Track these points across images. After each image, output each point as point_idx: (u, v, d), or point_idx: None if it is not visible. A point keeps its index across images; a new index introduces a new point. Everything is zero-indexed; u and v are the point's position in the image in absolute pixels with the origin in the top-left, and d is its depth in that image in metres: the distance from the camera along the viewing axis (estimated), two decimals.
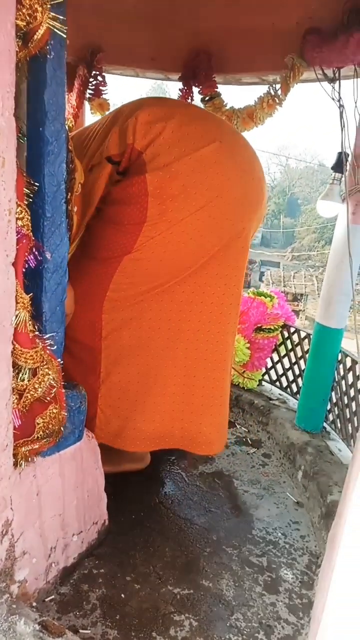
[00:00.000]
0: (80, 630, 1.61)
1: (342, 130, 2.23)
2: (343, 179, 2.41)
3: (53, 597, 1.72)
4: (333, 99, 2.24)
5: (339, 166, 2.42)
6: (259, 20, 2.42)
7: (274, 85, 2.43)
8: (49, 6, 1.17)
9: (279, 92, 2.37)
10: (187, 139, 1.87)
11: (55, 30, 1.21)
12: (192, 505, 2.36)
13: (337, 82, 2.26)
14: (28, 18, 1.15)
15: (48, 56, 1.24)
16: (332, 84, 2.27)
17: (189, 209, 1.90)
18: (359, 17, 2.00)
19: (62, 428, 1.61)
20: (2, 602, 1.35)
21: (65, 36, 1.24)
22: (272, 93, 2.38)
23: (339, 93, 2.25)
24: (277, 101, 2.40)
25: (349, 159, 2.34)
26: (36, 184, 1.34)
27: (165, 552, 2.02)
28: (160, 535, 2.11)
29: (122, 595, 1.78)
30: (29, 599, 1.59)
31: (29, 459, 1.53)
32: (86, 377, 2.08)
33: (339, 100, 2.24)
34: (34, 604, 1.58)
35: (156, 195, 1.86)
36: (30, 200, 1.33)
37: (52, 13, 1.18)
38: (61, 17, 1.20)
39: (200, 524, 2.23)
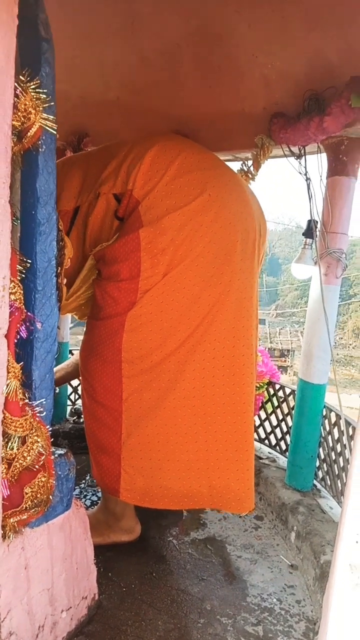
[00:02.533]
0: None
1: (310, 200, 2.43)
2: (314, 244, 2.58)
3: None
4: (300, 173, 2.46)
5: (309, 232, 2.60)
6: (230, 106, 2.69)
7: (246, 162, 2.66)
8: (41, 109, 1.32)
9: (251, 168, 2.59)
10: (178, 193, 1.98)
11: (47, 127, 1.36)
12: (185, 574, 2.29)
13: (303, 158, 2.49)
14: (23, 119, 1.30)
15: (40, 149, 1.38)
16: (298, 160, 2.50)
17: (178, 260, 2.00)
18: (317, 103, 2.25)
19: (50, 497, 1.60)
20: None
21: (55, 132, 1.39)
22: (245, 169, 2.60)
23: (305, 167, 2.47)
24: (250, 176, 2.61)
25: (318, 225, 2.53)
26: (29, 261, 1.43)
27: (158, 626, 1.94)
28: (152, 607, 2.04)
29: None
30: None
31: (17, 530, 1.51)
32: (109, 439, 2.11)
33: (305, 174, 2.46)
34: None
35: (148, 250, 1.97)
36: (23, 275, 1.42)
37: (44, 114, 1.34)
38: (52, 117, 1.36)
39: (194, 593, 2.16)
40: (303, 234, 2.65)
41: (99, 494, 2.82)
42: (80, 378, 2.29)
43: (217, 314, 2.08)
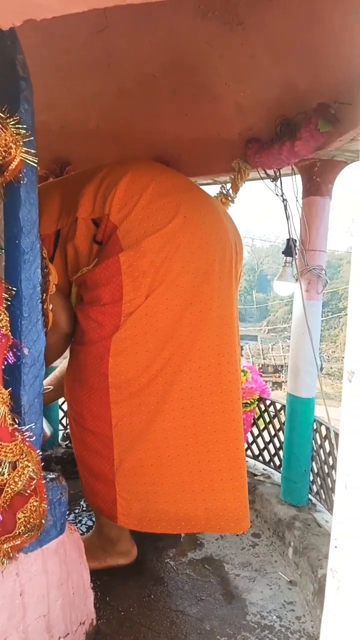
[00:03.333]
0: None
1: (287, 220, 2.51)
2: (294, 261, 2.66)
3: None
4: (277, 194, 2.55)
5: (288, 250, 2.68)
6: (206, 132, 2.80)
7: (225, 186, 2.75)
8: (21, 143, 1.38)
9: (230, 191, 2.67)
10: (155, 216, 2.03)
11: (28, 161, 1.42)
12: (183, 595, 2.28)
13: (279, 180, 2.59)
14: (4, 153, 1.36)
15: (22, 182, 1.44)
16: (274, 182, 2.59)
17: (159, 282, 2.04)
18: (289, 128, 2.34)
19: (43, 521, 1.61)
20: None
21: (36, 165, 1.45)
22: (224, 192, 2.69)
23: (282, 189, 2.56)
24: (230, 199, 2.70)
25: (297, 244, 2.60)
26: (14, 288, 1.48)
27: None
28: (152, 630, 2.02)
29: None
30: None
31: (11, 555, 1.51)
32: (102, 466, 2.11)
33: (282, 195, 2.55)
34: None
35: (128, 273, 2.00)
36: (9, 303, 1.46)
37: (24, 148, 1.40)
38: (32, 151, 1.42)
39: (193, 614, 2.15)
40: (283, 252, 2.73)
41: (94, 519, 2.80)
42: (67, 406, 2.29)
43: (200, 332, 2.12)
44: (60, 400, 3.44)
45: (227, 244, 2.20)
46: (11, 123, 1.37)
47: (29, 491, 1.51)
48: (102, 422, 2.10)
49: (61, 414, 3.74)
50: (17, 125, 1.39)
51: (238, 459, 2.20)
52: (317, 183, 2.55)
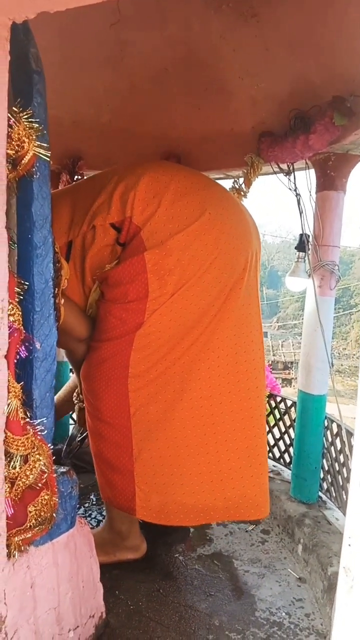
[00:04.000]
0: None
1: (300, 215, 2.49)
2: (306, 257, 2.64)
3: None
4: (290, 189, 2.52)
5: (301, 246, 2.66)
6: (219, 126, 2.78)
7: (237, 180, 2.73)
8: (34, 137, 1.38)
9: (243, 185, 2.65)
10: (179, 216, 2.03)
11: (40, 155, 1.41)
12: (192, 591, 2.28)
13: (292, 174, 2.56)
14: (17, 147, 1.36)
15: (34, 176, 1.43)
16: (287, 176, 2.57)
17: (186, 279, 2.05)
18: (303, 122, 2.31)
19: (54, 515, 1.62)
20: None
21: (48, 159, 1.45)
22: (237, 187, 2.67)
23: (295, 184, 2.53)
24: (242, 193, 2.68)
25: (310, 239, 2.58)
26: (26, 283, 1.48)
27: None
28: (160, 625, 2.03)
29: None
30: None
31: (22, 549, 1.52)
32: (120, 457, 2.11)
33: (295, 190, 2.52)
34: None
35: (154, 271, 2.01)
36: (22, 297, 1.46)
37: (37, 142, 1.39)
38: (45, 145, 1.42)
39: (202, 609, 2.15)
40: (295, 248, 2.71)
41: (105, 513, 2.82)
42: (84, 400, 2.30)
43: (220, 322, 2.13)
44: None
45: (249, 238, 2.21)
46: (24, 117, 1.37)
47: (40, 485, 1.52)
48: (120, 412, 2.11)
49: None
50: (30, 119, 1.38)
51: (257, 446, 2.20)
52: (331, 177, 2.52)
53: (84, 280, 2.20)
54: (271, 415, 3.39)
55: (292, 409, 3.17)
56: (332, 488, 2.75)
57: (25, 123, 1.36)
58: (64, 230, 2.17)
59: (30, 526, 1.52)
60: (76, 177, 3.03)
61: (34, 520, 1.53)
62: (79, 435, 3.04)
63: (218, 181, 3.13)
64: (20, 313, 1.42)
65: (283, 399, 3.30)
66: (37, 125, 1.38)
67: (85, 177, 3.08)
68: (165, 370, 2.11)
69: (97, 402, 2.16)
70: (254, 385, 2.22)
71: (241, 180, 2.74)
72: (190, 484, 2.12)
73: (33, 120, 1.38)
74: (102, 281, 2.15)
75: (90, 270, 2.17)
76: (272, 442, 3.38)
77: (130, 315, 2.05)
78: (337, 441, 2.71)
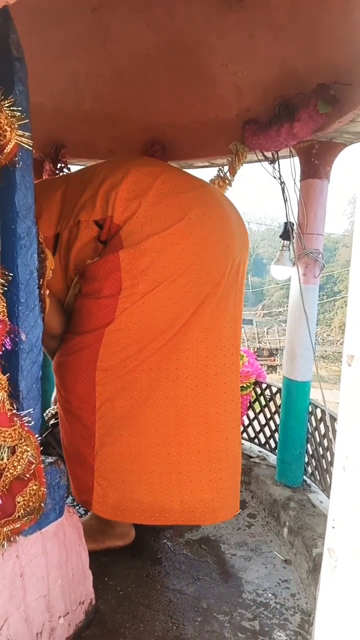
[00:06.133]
0: None
1: (285, 203, 2.50)
2: (291, 245, 2.65)
3: None
4: (274, 177, 2.53)
5: (286, 234, 2.67)
6: (204, 114, 2.76)
7: (222, 168, 2.72)
8: (16, 126, 1.36)
9: (227, 174, 2.65)
10: (158, 218, 2.03)
11: (23, 144, 1.39)
12: (180, 575, 2.32)
13: (277, 162, 2.56)
14: None
15: (17, 165, 1.41)
16: (272, 164, 2.57)
17: (157, 281, 2.05)
18: (287, 109, 2.31)
19: (42, 505, 1.63)
20: None
21: (31, 148, 1.43)
22: (222, 175, 2.66)
23: (279, 171, 2.54)
24: (227, 182, 2.67)
25: (294, 227, 2.59)
26: (11, 274, 1.47)
27: (155, 627, 1.97)
28: (150, 609, 2.07)
29: None
30: None
31: (11, 539, 1.53)
32: (83, 450, 2.13)
33: (279, 178, 2.52)
34: None
35: (127, 270, 2.02)
36: (6, 288, 1.45)
37: (19, 131, 1.37)
38: (27, 134, 1.39)
39: (190, 593, 2.19)
40: (280, 236, 2.72)
41: None
42: (57, 393, 2.32)
43: (192, 326, 2.14)
44: None
45: (232, 246, 2.20)
46: (5, 105, 1.35)
47: (28, 475, 1.53)
48: (86, 405, 2.12)
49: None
50: (11, 108, 1.36)
51: (219, 450, 2.20)
52: (315, 165, 2.53)
53: (67, 273, 2.20)
54: (257, 402, 3.44)
55: (278, 395, 3.22)
56: (317, 472, 2.81)
57: (7, 112, 1.34)
58: (53, 221, 2.16)
59: (19, 516, 1.53)
60: (59, 165, 2.98)
61: (22, 511, 1.53)
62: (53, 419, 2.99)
63: (202, 169, 3.13)
64: (5, 305, 1.41)
65: (268, 386, 3.34)
66: (19, 113, 1.36)
67: (68, 166, 3.05)
68: (133, 368, 2.12)
69: (66, 393, 2.17)
70: (222, 390, 2.22)
71: (226, 168, 2.73)
72: (148, 483, 2.13)
73: (15, 108, 1.35)
74: (81, 275, 2.15)
75: (74, 264, 2.17)
76: (257, 428, 3.42)
77: (102, 311, 2.06)
78: (321, 426, 2.76)
